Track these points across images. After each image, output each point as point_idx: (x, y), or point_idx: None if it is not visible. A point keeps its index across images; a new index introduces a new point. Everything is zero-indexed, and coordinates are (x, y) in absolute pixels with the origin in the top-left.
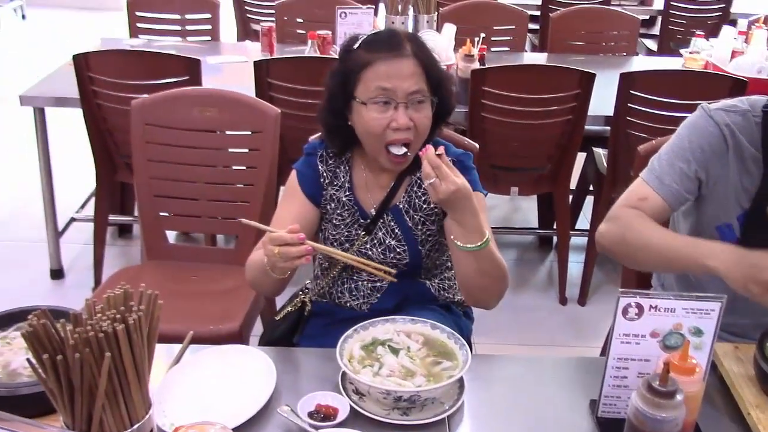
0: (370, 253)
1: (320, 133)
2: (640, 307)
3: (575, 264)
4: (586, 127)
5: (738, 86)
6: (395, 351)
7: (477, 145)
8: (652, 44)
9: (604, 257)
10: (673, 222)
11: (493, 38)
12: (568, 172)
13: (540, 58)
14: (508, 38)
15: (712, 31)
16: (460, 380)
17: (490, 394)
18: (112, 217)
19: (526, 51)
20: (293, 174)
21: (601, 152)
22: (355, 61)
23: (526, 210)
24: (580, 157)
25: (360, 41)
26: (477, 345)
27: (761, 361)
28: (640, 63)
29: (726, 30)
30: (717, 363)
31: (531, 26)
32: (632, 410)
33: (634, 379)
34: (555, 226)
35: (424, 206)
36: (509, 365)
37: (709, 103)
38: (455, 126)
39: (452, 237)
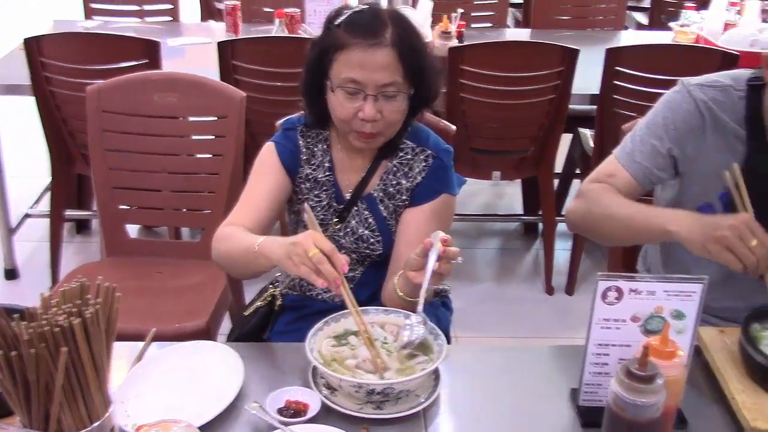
0: (342, 241)
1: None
2: (619, 290)
3: (562, 252)
4: (572, 106)
5: (728, 60)
6: (372, 342)
7: (454, 127)
8: (643, 18)
9: (592, 244)
10: (655, 202)
11: (474, 14)
12: (553, 155)
13: (523, 34)
14: (491, 13)
15: (704, 2)
16: (436, 372)
17: (468, 386)
18: (69, 212)
19: (509, 27)
20: (269, 147)
21: (587, 133)
22: (332, 39)
23: (511, 196)
24: (566, 139)
25: (342, 18)
26: (461, 338)
27: (746, 345)
28: (628, 38)
29: (717, 1)
30: (702, 347)
31: (514, 0)
32: (612, 396)
33: (615, 366)
34: (540, 212)
35: (397, 195)
36: (488, 356)
37: (689, 79)
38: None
39: (398, 288)
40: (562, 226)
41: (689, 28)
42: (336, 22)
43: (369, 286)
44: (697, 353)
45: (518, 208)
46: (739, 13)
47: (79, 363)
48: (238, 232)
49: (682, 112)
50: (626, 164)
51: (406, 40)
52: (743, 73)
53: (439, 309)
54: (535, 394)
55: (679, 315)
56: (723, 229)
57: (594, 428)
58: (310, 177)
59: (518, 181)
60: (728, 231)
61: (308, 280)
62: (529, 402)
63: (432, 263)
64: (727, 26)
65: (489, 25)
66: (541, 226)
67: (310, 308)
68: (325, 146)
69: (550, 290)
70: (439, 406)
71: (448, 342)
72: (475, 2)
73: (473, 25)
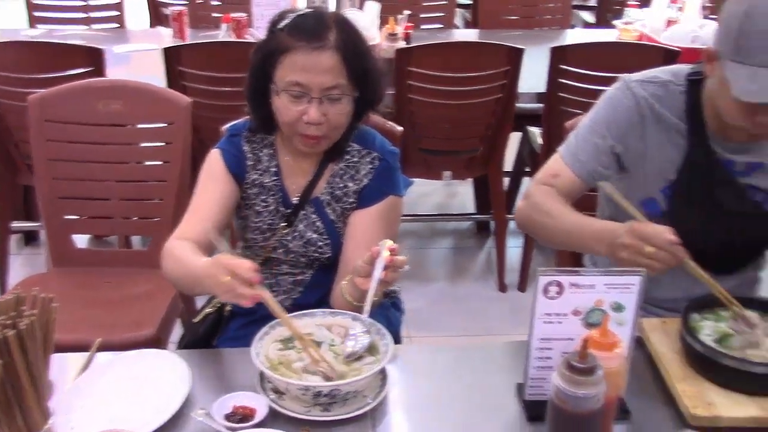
0: (290, 245)
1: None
2: (560, 285)
3: (515, 249)
4: (520, 105)
5: (671, 56)
6: (318, 344)
7: (400, 128)
8: (590, 16)
9: None
10: (601, 198)
11: (423, 15)
12: (502, 153)
13: (471, 35)
14: (440, 15)
15: (647, 0)
16: (383, 372)
17: (417, 385)
18: (15, 224)
19: (458, 27)
20: (214, 154)
21: (536, 131)
22: (276, 43)
23: (463, 195)
24: (516, 137)
25: (286, 22)
26: (415, 338)
27: (685, 335)
28: (575, 36)
29: None
30: (644, 338)
31: (463, 2)
32: (554, 390)
33: (559, 359)
34: (492, 211)
35: (344, 198)
36: (438, 354)
37: (630, 75)
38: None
39: (346, 293)
40: (513, 224)
41: (633, 25)
42: (280, 26)
43: (319, 289)
44: (641, 344)
45: (471, 207)
46: (680, 9)
47: (15, 375)
48: (183, 252)
49: (623, 108)
50: (570, 163)
51: (350, 43)
52: (682, 68)
53: (389, 310)
54: (483, 390)
55: (618, 307)
56: (620, 248)
57: (540, 422)
58: (257, 182)
59: (470, 181)
60: (624, 251)
61: (236, 303)
62: (477, 398)
63: (379, 272)
64: (669, 23)
65: (439, 26)
66: (493, 224)
67: (260, 313)
68: (271, 151)
69: (503, 288)
70: (387, 406)
71: (399, 342)
72: (423, 3)
73: (423, 27)
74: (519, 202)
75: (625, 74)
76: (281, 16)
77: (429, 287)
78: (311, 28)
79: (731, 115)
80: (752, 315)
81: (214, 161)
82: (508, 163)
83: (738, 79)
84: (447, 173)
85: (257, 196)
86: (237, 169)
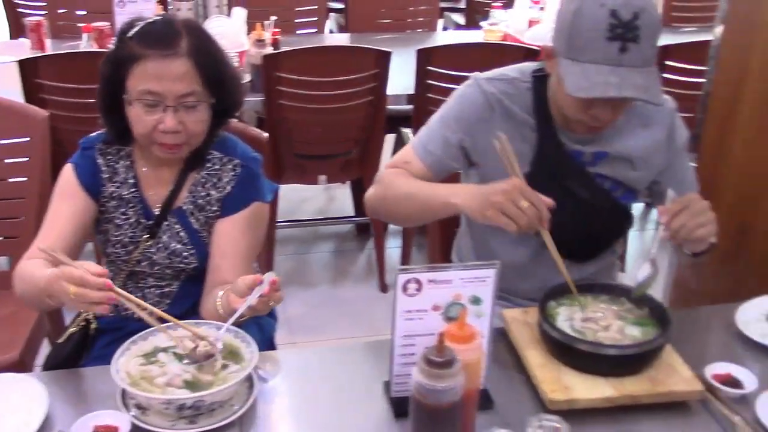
0: (155, 257)
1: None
2: (419, 282)
3: (395, 250)
4: (393, 107)
5: (533, 55)
6: (180, 357)
7: (266, 135)
8: (461, 18)
9: (422, 240)
10: None
11: (297, 20)
12: (377, 155)
13: (342, 39)
14: (312, 19)
15: (512, 2)
16: (251, 379)
17: (287, 389)
18: None
19: (332, 32)
20: (67, 169)
21: (409, 132)
22: (126, 52)
23: (342, 198)
24: (391, 139)
25: (135, 30)
26: (299, 343)
27: (543, 323)
28: (443, 38)
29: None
30: (506, 328)
31: (336, 6)
32: (414, 385)
33: None
34: None
35: (207, 207)
36: (310, 357)
37: (480, 73)
38: (258, 114)
39: (220, 306)
40: (393, 225)
41: (497, 26)
42: (129, 34)
43: (187, 300)
44: (505, 335)
45: (350, 210)
46: (542, 9)
47: None
48: (31, 269)
49: (472, 104)
50: (420, 154)
51: (203, 48)
52: (529, 65)
53: (261, 318)
54: (353, 389)
55: (476, 300)
56: (497, 194)
57: (406, 417)
58: (115, 195)
59: (349, 184)
60: (501, 196)
61: (93, 311)
62: (347, 398)
63: (253, 298)
64: (532, 23)
65: (313, 30)
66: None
67: (126, 329)
68: (128, 162)
69: (384, 288)
70: (256, 412)
71: (274, 348)
72: (296, 9)
73: (298, 32)
74: (370, 189)
75: (476, 72)
76: (130, 24)
77: (312, 291)
78: (161, 36)
79: (570, 109)
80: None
81: (66, 177)
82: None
83: (571, 75)
84: (323, 177)
85: (116, 209)
86: (91, 183)
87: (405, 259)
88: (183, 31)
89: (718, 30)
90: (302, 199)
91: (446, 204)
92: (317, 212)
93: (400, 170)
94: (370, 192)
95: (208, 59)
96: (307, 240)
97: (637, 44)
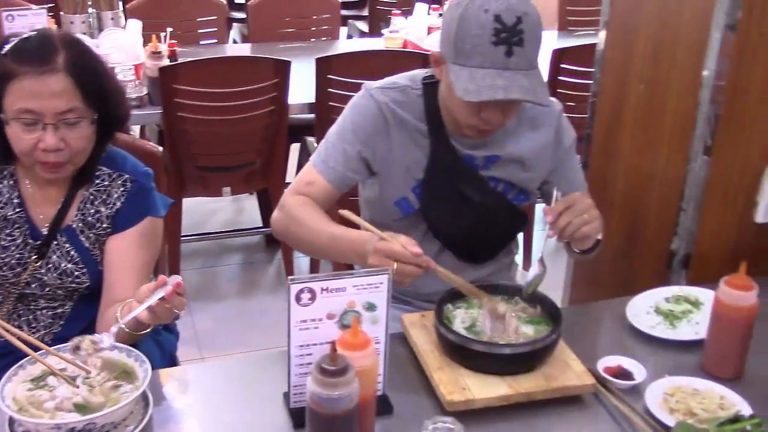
0: (45, 278)
1: None
2: (312, 291)
3: (304, 259)
4: (296, 116)
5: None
6: (73, 379)
7: (160, 148)
8: (364, 26)
9: None
10: (361, 202)
11: (199, 31)
12: (281, 166)
13: (244, 49)
14: (213, 30)
15: (412, 9)
16: (146, 398)
17: (186, 405)
18: None
19: (236, 42)
20: None
21: (314, 141)
22: (0, 70)
23: (251, 210)
24: (296, 149)
25: (9, 47)
26: (208, 359)
27: (438, 325)
28: (345, 46)
29: (419, 6)
30: (405, 332)
31: (239, 15)
32: (309, 395)
33: None
34: None
35: (97, 224)
36: (212, 373)
37: (371, 83)
38: (159, 128)
39: (119, 314)
40: None
41: (398, 33)
42: (2, 51)
43: (82, 320)
44: (404, 338)
45: (259, 221)
46: (441, 16)
47: None
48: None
49: (366, 115)
50: (322, 171)
51: (82, 63)
52: (419, 73)
53: (160, 334)
54: (253, 402)
55: (371, 306)
56: (372, 257)
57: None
58: None
59: (254, 194)
60: (376, 261)
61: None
62: (247, 410)
63: (154, 299)
64: (431, 29)
65: (214, 41)
66: None
67: (21, 352)
68: (11, 182)
69: None
70: (152, 430)
71: (176, 365)
72: (198, 19)
73: (202, 42)
74: (274, 213)
75: (367, 82)
76: (4, 40)
77: (221, 305)
78: (37, 52)
79: (461, 114)
80: (498, 303)
81: None
82: (291, 174)
83: (460, 80)
84: (227, 189)
85: (1, 231)
86: None
87: (314, 268)
88: (60, 45)
89: (602, 34)
90: (211, 211)
91: (344, 259)
92: (226, 224)
93: (303, 199)
94: (276, 216)
95: (88, 74)
96: (215, 253)
97: (522, 48)
